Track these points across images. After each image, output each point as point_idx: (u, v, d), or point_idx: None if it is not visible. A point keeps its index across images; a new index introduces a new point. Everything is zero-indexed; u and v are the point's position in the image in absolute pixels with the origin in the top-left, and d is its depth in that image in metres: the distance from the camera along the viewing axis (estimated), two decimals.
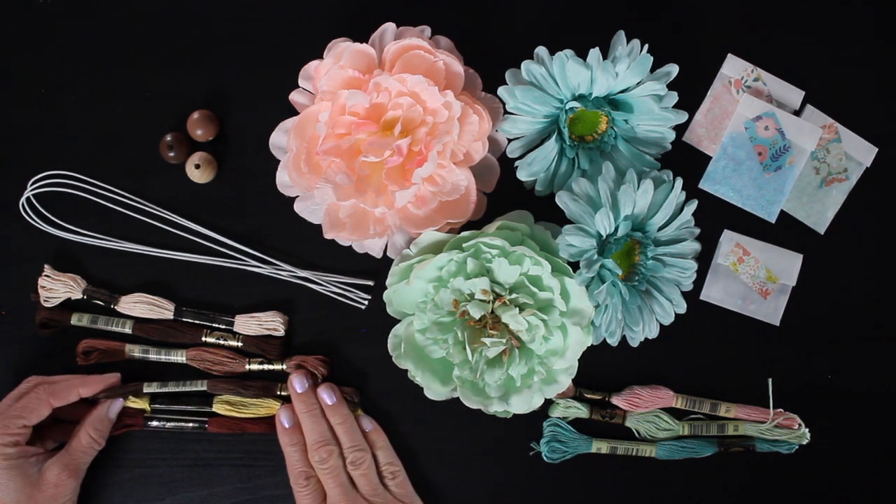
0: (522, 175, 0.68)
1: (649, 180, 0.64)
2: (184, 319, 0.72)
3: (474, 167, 0.68)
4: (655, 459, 0.72)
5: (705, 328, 0.74)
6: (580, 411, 0.72)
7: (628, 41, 0.66)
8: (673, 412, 0.73)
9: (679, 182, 0.66)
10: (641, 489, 0.73)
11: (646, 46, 0.66)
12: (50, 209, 0.73)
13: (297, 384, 0.70)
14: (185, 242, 0.73)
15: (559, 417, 0.72)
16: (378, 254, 0.70)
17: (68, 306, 0.72)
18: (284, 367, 0.72)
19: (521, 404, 0.67)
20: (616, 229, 0.66)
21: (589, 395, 0.72)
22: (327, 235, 0.67)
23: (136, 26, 0.74)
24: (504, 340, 0.65)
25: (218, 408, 0.71)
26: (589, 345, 0.67)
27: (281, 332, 0.72)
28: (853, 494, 0.74)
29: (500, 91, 0.67)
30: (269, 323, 0.72)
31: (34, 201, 0.73)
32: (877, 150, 0.74)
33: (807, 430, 0.72)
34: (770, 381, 0.73)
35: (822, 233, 0.74)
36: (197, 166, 0.71)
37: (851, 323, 0.74)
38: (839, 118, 0.74)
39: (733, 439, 0.72)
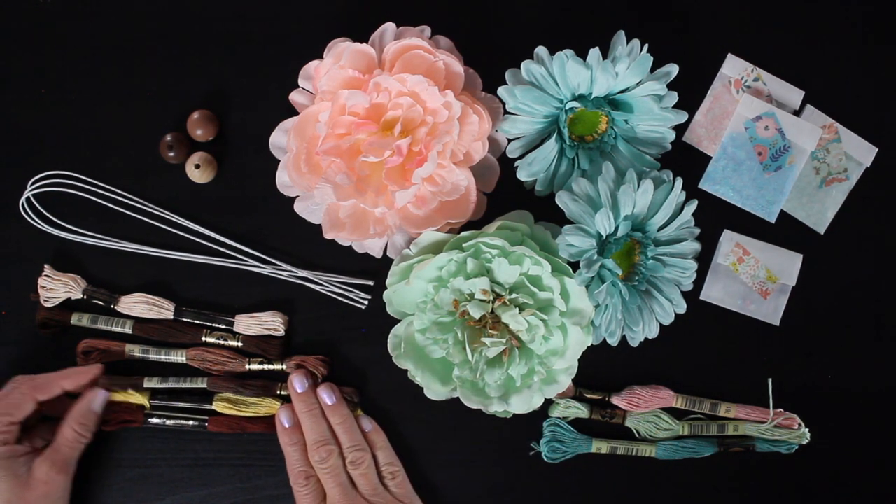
0: (522, 175, 0.68)
1: (649, 180, 0.64)
2: (184, 319, 0.72)
3: (474, 167, 0.68)
4: (655, 459, 0.72)
5: (705, 328, 0.74)
6: (580, 411, 0.72)
7: (628, 41, 0.66)
8: (673, 412, 0.73)
9: (679, 182, 0.66)
10: (641, 489, 0.73)
11: (646, 46, 0.66)
12: (50, 209, 0.73)
13: (297, 384, 0.70)
14: (185, 242, 0.73)
15: (559, 417, 0.72)
16: (378, 254, 0.70)
17: (68, 306, 0.72)
18: (284, 367, 0.72)
19: (521, 404, 0.67)
20: (616, 229, 0.66)
21: (589, 395, 0.72)
22: (327, 235, 0.67)
23: (136, 26, 0.74)
24: (504, 340, 0.65)
25: (218, 406, 0.71)
26: (589, 345, 0.67)
27: (281, 332, 0.72)
28: (853, 494, 0.74)
29: (500, 91, 0.67)
30: (269, 323, 0.72)
31: (34, 201, 0.73)
32: (877, 150, 0.74)
33: (807, 430, 0.72)
34: (770, 381, 0.73)
35: (822, 233, 0.74)
36: (197, 166, 0.71)
37: (851, 323, 0.74)
38: (839, 118, 0.74)
39: (733, 439, 0.72)
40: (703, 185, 0.73)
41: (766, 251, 0.73)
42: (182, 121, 0.73)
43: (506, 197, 0.70)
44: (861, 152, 0.74)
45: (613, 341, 0.67)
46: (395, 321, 0.69)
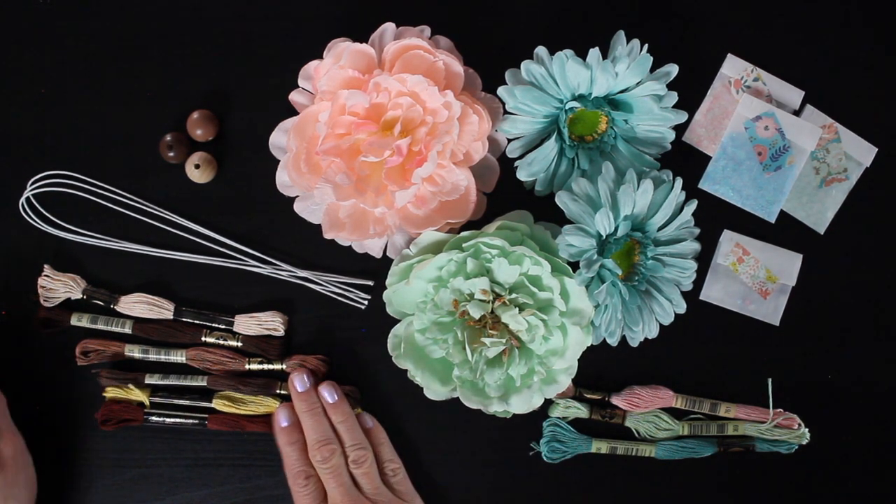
0: (522, 175, 0.68)
1: (649, 180, 0.64)
2: (184, 319, 0.72)
3: (474, 167, 0.68)
4: (655, 459, 0.72)
5: (705, 328, 0.73)
6: (580, 411, 0.72)
7: (628, 41, 0.66)
8: (673, 412, 0.73)
9: (679, 182, 0.66)
10: (641, 489, 0.73)
11: (646, 46, 0.66)
12: (50, 209, 0.73)
13: (298, 383, 0.70)
14: (185, 242, 0.73)
15: (559, 417, 0.72)
16: (378, 254, 0.70)
17: (68, 306, 0.72)
18: (284, 366, 0.72)
19: (521, 404, 0.67)
20: (616, 229, 0.66)
21: (589, 395, 0.72)
22: (327, 235, 0.67)
23: (136, 26, 0.74)
24: (504, 340, 0.65)
25: (217, 404, 0.71)
26: (589, 345, 0.67)
27: (281, 332, 0.72)
28: (853, 494, 0.74)
29: (500, 91, 0.67)
30: (268, 323, 0.72)
31: (34, 201, 0.73)
32: (877, 150, 0.74)
33: (807, 430, 0.72)
34: (770, 381, 0.73)
35: (822, 233, 0.74)
36: (197, 166, 0.71)
37: (851, 323, 0.74)
38: (839, 118, 0.74)
39: (733, 439, 0.72)
40: (703, 185, 0.73)
41: (765, 251, 0.73)
42: (182, 121, 0.73)
43: (506, 197, 0.70)
44: (861, 152, 0.74)
45: (613, 341, 0.67)
46: (395, 321, 0.69)
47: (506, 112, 0.68)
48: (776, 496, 0.73)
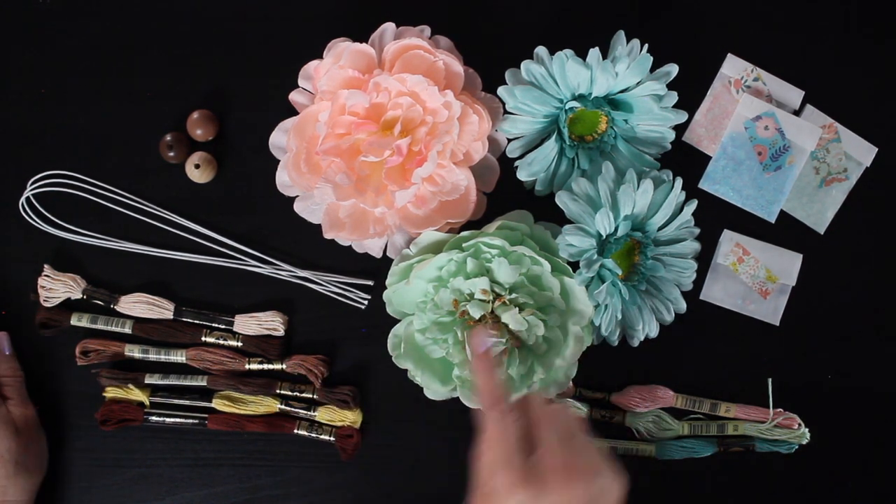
0: (522, 175, 0.68)
1: (649, 180, 0.64)
2: (184, 319, 0.72)
3: (474, 167, 0.68)
4: (655, 459, 0.72)
5: (705, 328, 0.73)
6: (580, 411, 0.72)
7: (628, 41, 0.66)
8: (673, 412, 0.73)
9: (679, 182, 0.66)
10: (641, 489, 0.73)
11: (646, 46, 0.66)
12: (50, 209, 0.73)
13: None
14: (185, 242, 0.73)
15: None
16: (378, 254, 0.70)
17: (68, 306, 0.72)
18: (284, 366, 0.72)
19: None
20: (616, 229, 0.66)
21: (589, 395, 0.72)
22: (327, 235, 0.67)
23: (136, 26, 0.74)
24: (504, 340, 0.65)
25: (217, 404, 0.71)
26: (589, 345, 0.67)
27: (281, 332, 0.72)
28: (853, 494, 0.74)
29: (500, 91, 0.67)
30: (268, 323, 0.72)
31: (34, 201, 0.73)
32: (877, 150, 0.74)
33: (807, 430, 0.72)
34: (770, 381, 0.72)
35: (822, 233, 0.74)
36: (197, 166, 0.71)
37: (851, 323, 0.74)
38: (839, 118, 0.74)
39: (733, 439, 0.72)
40: (703, 185, 0.73)
41: (765, 251, 0.73)
42: (182, 121, 0.73)
43: (506, 197, 0.70)
44: (861, 152, 0.74)
45: (613, 341, 0.67)
46: (395, 321, 0.69)
47: (506, 112, 0.68)
48: (776, 496, 0.73)
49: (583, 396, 0.72)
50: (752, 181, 0.73)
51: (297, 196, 0.70)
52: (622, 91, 0.68)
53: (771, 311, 0.73)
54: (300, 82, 0.69)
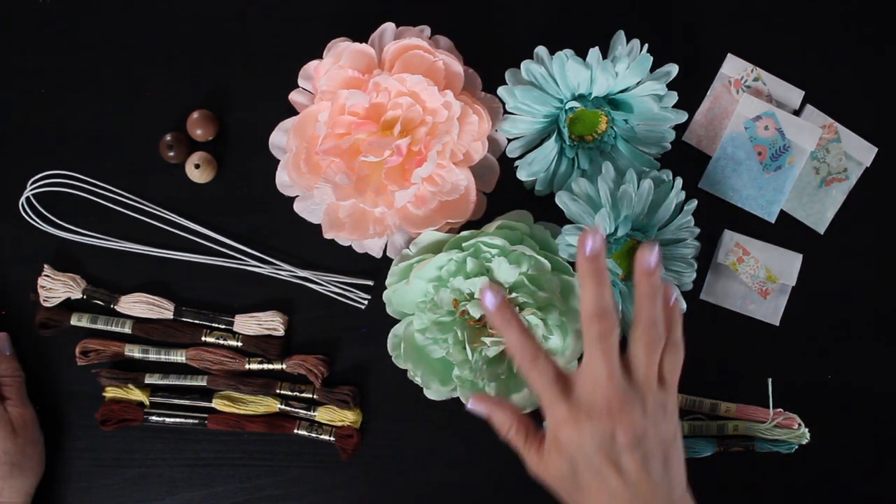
0: (522, 175, 0.68)
1: (649, 180, 0.64)
2: (183, 319, 0.72)
3: (474, 167, 0.68)
4: None
5: (705, 328, 0.73)
6: None
7: (628, 41, 0.66)
8: None
9: (678, 182, 0.66)
10: None
11: (646, 46, 0.66)
12: (50, 209, 0.73)
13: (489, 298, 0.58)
14: (185, 242, 0.73)
15: None
16: (378, 254, 0.70)
17: (68, 306, 0.72)
18: (284, 366, 0.72)
19: (522, 403, 0.67)
20: (616, 229, 0.66)
21: None
22: (327, 235, 0.67)
23: (137, 26, 0.74)
24: (503, 340, 0.65)
25: (217, 404, 0.71)
26: None
27: (281, 332, 0.72)
28: (853, 494, 0.74)
29: (500, 91, 0.67)
30: (268, 323, 0.72)
31: (34, 201, 0.73)
32: (877, 150, 0.74)
33: (807, 430, 0.72)
34: (770, 381, 0.72)
35: (822, 233, 0.74)
36: (197, 166, 0.71)
37: (851, 323, 0.74)
38: (839, 118, 0.74)
39: (733, 439, 0.72)
40: (703, 185, 0.73)
41: (765, 251, 0.73)
42: (182, 121, 0.73)
43: (506, 197, 0.70)
44: (861, 152, 0.74)
45: None
46: (395, 321, 0.69)
47: (506, 112, 0.68)
48: (776, 496, 0.73)
49: None
50: (752, 181, 0.73)
51: (297, 196, 0.70)
52: (622, 91, 0.68)
53: (771, 311, 0.73)
54: (300, 82, 0.70)
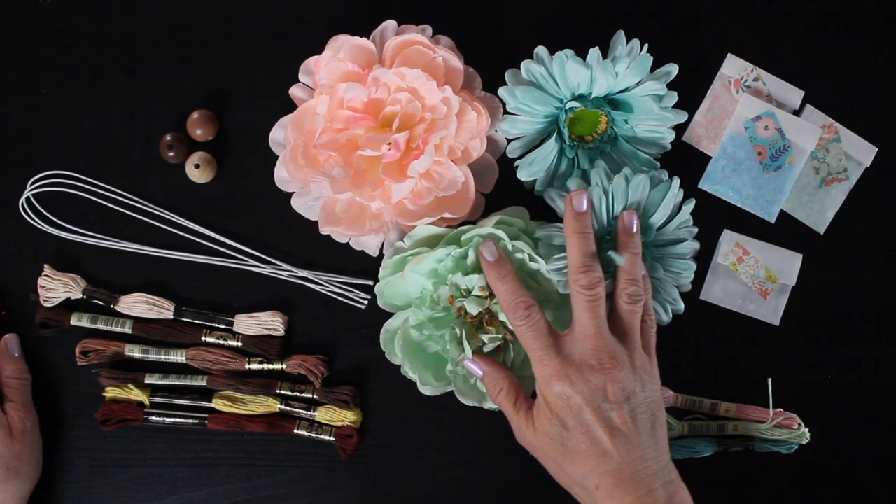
0: (522, 175, 0.68)
1: (643, 175, 0.64)
2: (183, 319, 0.72)
3: (472, 167, 0.68)
4: None
5: (705, 328, 0.73)
6: None
7: (628, 41, 0.66)
8: (673, 412, 0.73)
9: (676, 181, 0.66)
10: None
11: (646, 46, 0.66)
12: (50, 209, 0.73)
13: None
14: (185, 242, 0.73)
15: None
16: (374, 252, 0.70)
17: (68, 306, 0.72)
18: (284, 366, 0.72)
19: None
20: (612, 228, 0.66)
21: None
22: (323, 230, 0.67)
23: (137, 26, 0.74)
24: (500, 336, 0.65)
25: (217, 404, 0.71)
26: None
27: (281, 332, 0.72)
28: (853, 494, 0.74)
29: (501, 91, 0.67)
30: (268, 323, 0.72)
31: (34, 201, 0.73)
32: (877, 149, 0.74)
33: (806, 430, 0.72)
34: (770, 380, 0.72)
35: (822, 233, 0.74)
36: (197, 166, 0.71)
37: (851, 323, 0.74)
38: (839, 118, 0.74)
39: (733, 439, 0.72)
40: (703, 185, 0.73)
41: (765, 251, 0.73)
42: (182, 121, 0.73)
43: (505, 197, 0.70)
44: (861, 152, 0.74)
45: None
46: None
47: (505, 112, 0.68)
48: (776, 496, 0.73)
49: None
50: (752, 181, 0.73)
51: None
52: (622, 91, 0.68)
53: (771, 311, 0.73)
54: (301, 77, 0.70)
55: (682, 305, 0.68)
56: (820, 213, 0.74)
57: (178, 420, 0.72)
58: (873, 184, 0.74)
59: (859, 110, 0.74)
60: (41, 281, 0.71)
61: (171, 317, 0.72)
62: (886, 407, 0.74)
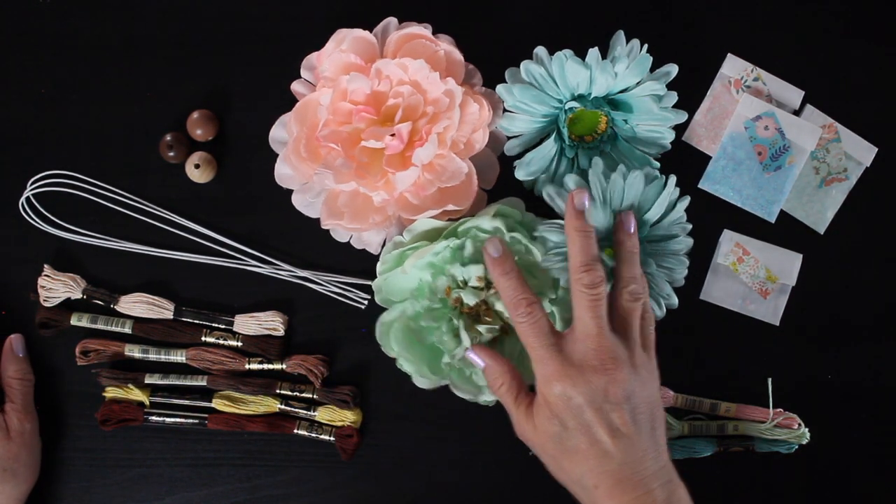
0: (520, 175, 0.68)
1: (639, 172, 0.64)
2: (184, 319, 0.72)
3: (474, 162, 0.68)
4: None
5: (705, 328, 0.73)
6: None
7: (628, 41, 0.66)
8: (673, 412, 0.73)
9: (672, 179, 0.65)
10: None
11: (645, 46, 0.66)
12: (50, 209, 0.73)
13: (492, 248, 0.63)
14: (185, 242, 0.73)
15: None
16: (376, 250, 0.70)
17: (68, 306, 0.72)
18: (284, 366, 0.72)
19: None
20: (608, 223, 0.66)
21: None
22: (325, 225, 0.67)
23: (137, 26, 0.74)
24: (497, 328, 0.66)
25: (217, 404, 0.71)
26: None
27: (281, 332, 0.72)
28: (853, 494, 0.74)
29: (499, 89, 0.67)
30: (268, 323, 0.72)
31: (34, 201, 0.73)
32: (877, 149, 0.74)
33: (807, 430, 0.72)
34: (770, 380, 0.72)
35: (822, 232, 0.74)
36: (197, 166, 0.72)
37: (851, 323, 0.74)
38: (839, 118, 0.74)
39: (733, 439, 0.72)
40: (703, 184, 0.73)
41: (765, 251, 0.73)
42: (182, 121, 0.73)
43: (505, 196, 0.70)
44: (861, 152, 0.74)
45: None
46: None
47: (505, 110, 0.68)
48: (776, 496, 0.73)
49: None
50: (752, 181, 0.73)
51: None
52: (622, 91, 0.68)
53: (771, 311, 0.73)
54: (302, 73, 0.70)
55: (675, 300, 0.68)
56: (820, 213, 0.74)
57: (178, 420, 0.72)
58: (873, 184, 0.74)
59: (859, 110, 0.74)
60: (41, 281, 0.71)
61: (171, 317, 0.72)
62: (886, 407, 0.74)
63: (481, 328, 0.65)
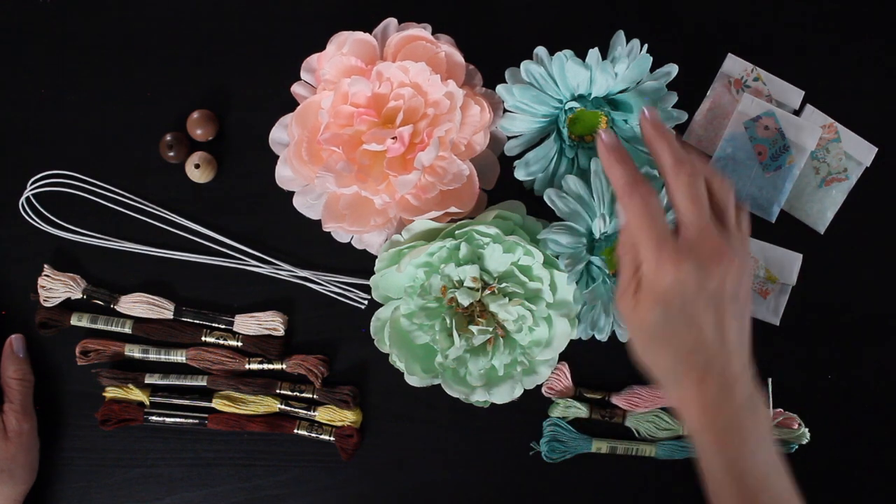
0: (520, 175, 0.68)
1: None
2: (184, 319, 0.72)
3: (475, 163, 0.68)
4: (655, 459, 0.72)
5: None
6: (580, 411, 0.72)
7: (628, 41, 0.66)
8: (673, 412, 0.73)
9: None
10: (641, 489, 0.73)
11: (645, 46, 0.66)
12: (50, 209, 0.73)
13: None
14: (185, 242, 0.73)
15: (559, 417, 0.72)
16: (377, 250, 0.70)
17: (68, 306, 0.72)
18: (284, 366, 0.72)
19: (503, 394, 0.67)
20: (608, 226, 0.66)
21: (589, 395, 0.72)
22: (326, 227, 0.67)
23: (137, 26, 0.74)
24: (491, 329, 0.66)
25: (217, 404, 0.71)
26: (574, 337, 0.67)
27: (281, 332, 0.72)
28: (853, 494, 0.74)
29: (499, 89, 0.67)
30: (268, 323, 0.72)
31: (34, 201, 0.73)
32: (877, 149, 0.74)
33: (807, 430, 0.72)
34: (770, 381, 0.72)
35: (822, 232, 0.74)
36: (197, 166, 0.72)
37: (851, 323, 0.74)
38: (839, 118, 0.74)
39: None
40: None
41: (766, 251, 0.73)
42: (182, 121, 0.73)
43: (505, 197, 0.70)
44: (861, 152, 0.74)
45: (603, 337, 0.67)
46: None
47: (506, 110, 0.68)
48: None
49: (583, 396, 0.72)
50: (752, 181, 0.73)
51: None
52: (622, 91, 0.68)
53: (771, 311, 0.73)
54: (302, 75, 0.70)
55: None
56: (820, 213, 0.74)
57: (178, 420, 0.72)
58: (873, 184, 0.74)
59: (859, 110, 0.74)
60: (41, 281, 0.71)
61: (171, 317, 0.72)
62: (886, 407, 0.74)
63: (474, 329, 0.66)
